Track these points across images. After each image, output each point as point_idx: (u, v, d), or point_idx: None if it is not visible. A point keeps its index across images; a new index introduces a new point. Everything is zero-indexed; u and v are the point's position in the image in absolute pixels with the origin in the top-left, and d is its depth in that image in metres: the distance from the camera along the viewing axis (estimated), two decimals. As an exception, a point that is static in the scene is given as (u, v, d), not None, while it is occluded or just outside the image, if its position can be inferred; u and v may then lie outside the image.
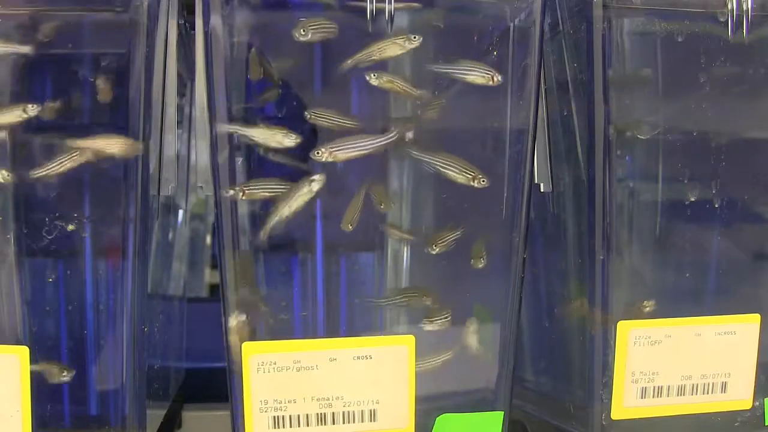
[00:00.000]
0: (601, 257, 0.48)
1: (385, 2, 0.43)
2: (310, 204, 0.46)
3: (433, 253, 0.45)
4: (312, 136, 0.45)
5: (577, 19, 0.50)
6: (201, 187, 0.45)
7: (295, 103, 0.45)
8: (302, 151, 0.46)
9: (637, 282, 0.52)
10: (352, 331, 0.48)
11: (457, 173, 0.44)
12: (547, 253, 0.56)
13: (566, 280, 0.53)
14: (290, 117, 0.45)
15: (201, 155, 0.45)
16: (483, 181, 0.44)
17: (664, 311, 0.50)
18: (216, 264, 0.57)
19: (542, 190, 0.49)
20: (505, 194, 0.47)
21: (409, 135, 0.44)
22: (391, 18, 0.43)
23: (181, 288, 0.61)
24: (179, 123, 0.48)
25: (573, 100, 0.51)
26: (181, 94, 0.49)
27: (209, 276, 0.66)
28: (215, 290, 0.65)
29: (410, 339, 0.45)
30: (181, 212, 0.59)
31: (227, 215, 0.43)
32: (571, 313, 0.53)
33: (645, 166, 0.52)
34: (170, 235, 0.57)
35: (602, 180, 0.48)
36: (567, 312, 0.53)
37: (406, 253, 0.49)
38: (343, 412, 0.45)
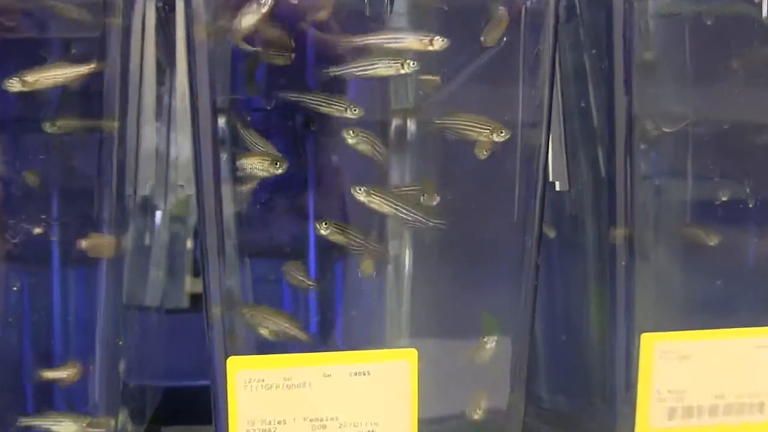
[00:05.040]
0: (623, 263, 0.49)
1: (384, -18, 0.44)
2: (301, 204, 0.47)
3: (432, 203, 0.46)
4: (305, 128, 0.46)
5: (595, 1, 0.51)
6: (182, 186, 0.46)
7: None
8: (293, 145, 0.47)
9: (663, 290, 0.52)
10: (348, 344, 0.49)
11: (476, 132, 0.45)
12: (563, 258, 0.57)
13: (585, 288, 0.53)
14: (281, 109, 0.46)
15: (182, 150, 0.45)
16: (502, 132, 0.45)
17: (694, 322, 0.50)
18: (198, 271, 0.57)
19: (558, 188, 0.49)
20: (517, 193, 0.47)
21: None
22: (391, 0, 0.44)
23: (159, 298, 0.62)
24: (158, 115, 0.49)
25: (591, 89, 0.51)
26: (159, 82, 0.50)
27: (190, 285, 0.67)
28: (197, 300, 0.65)
29: (412, 353, 0.45)
30: (159, 213, 0.59)
31: (211, 217, 0.44)
32: (590, 324, 0.53)
33: (671, 162, 0.52)
34: (147, 239, 0.57)
35: (624, 177, 0.48)
36: (586, 323, 0.54)
37: (407, 258, 0.50)
38: (339, 434, 0.45)
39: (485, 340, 0.48)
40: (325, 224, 0.45)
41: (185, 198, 0.57)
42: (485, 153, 0.45)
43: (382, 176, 0.47)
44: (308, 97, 0.44)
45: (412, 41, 0.43)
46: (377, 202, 0.44)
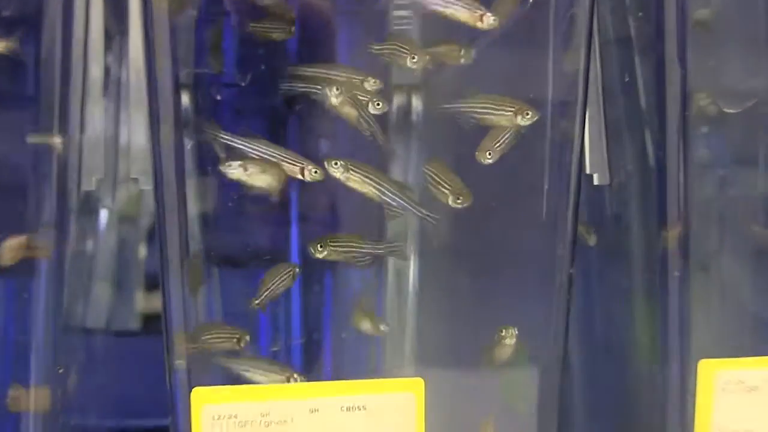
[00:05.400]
0: (677, 273, 0.50)
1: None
2: (282, 201, 0.48)
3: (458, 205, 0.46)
4: (288, 109, 0.47)
5: (641, -49, 0.52)
6: (135, 179, 0.47)
7: (263, 67, 0.47)
8: (273, 129, 0.48)
9: (726, 307, 0.54)
10: (339, 373, 0.51)
11: (496, 115, 0.46)
12: (603, 267, 0.58)
13: (630, 304, 0.55)
14: (257, 85, 0.47)
15: (136, 135, 0.46)
16: (528, 114, 0.46)
17: (764, 346, 0.52)
18: (152, 285, 0.58)
19: (596, 182, 0.51)
20: (546, 188, 0.48)
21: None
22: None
23: (105, 318, 0.63)
24: (106, 92, 0.50)
25: (637, 61, 0.53)
26: (108, 51, 0.51)
27: (143, 302, 0.67)
28: (151, 321, 0.66)
29: (418, 383, 0.46)
30: (105, 213, 0.60)
31: (173, 218, 0.44)
32: (637, 349, 0.55)
33: (736, 148, 0.54)
34: (90, 246, 0.58)
35: (677, 167, 0.49)
36: (632, 347, 0.55)
37: (412, 268, 0.51)
38: (328, 483, 0.47)
39: (503, 333, 0.48)
40: (320, 246, 0.46)
41: (137, 194, 0.58)
42: (488, 157, 0.45)
43: (381, 165, 0.49)
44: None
45: (461, 11, 0.45)
46: (357, 180, 0.44)
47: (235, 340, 0.46)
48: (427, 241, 0.50)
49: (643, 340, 0.54)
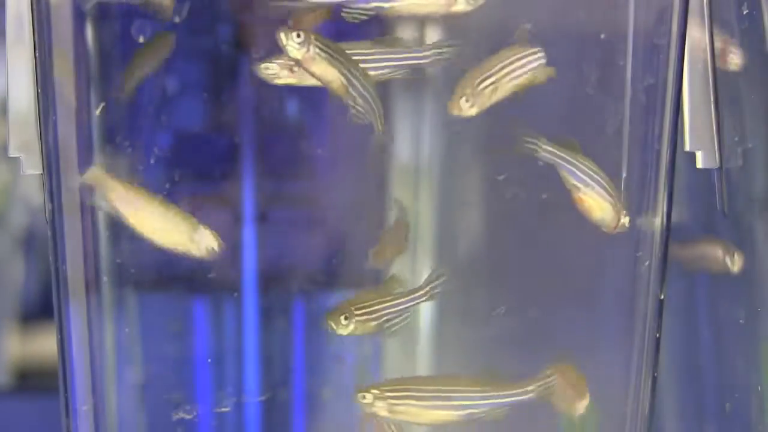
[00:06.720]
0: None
1: None
2: (231, 190, 0.49)
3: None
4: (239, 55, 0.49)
5: None
6: (18, 157, 0.49)
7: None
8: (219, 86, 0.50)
9: None
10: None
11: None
12: (713, 296, 0.59)
13: (757, 355, 0.56)
14: (197, 22, 0.49)
15: (15, 91, 0.47)
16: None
17: None
18: (30, 317, 0.59)
19: (701, 165, 0.51)
20: (624, 175, 0.49)
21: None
22: None
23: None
24: None
25: None
26: None
27: (18, 346, 0.67)
28: (33, 375, 0.66)
29: None
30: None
31: (74, 218, 0.46)
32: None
33: None
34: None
35: None
36: (761, 417, 0.56)
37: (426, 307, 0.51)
38: None
39: None
40: (345, 318, 0.46)
41: (10, 182, 0.58)
42: (468, 105, 0.45)
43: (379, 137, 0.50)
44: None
45: None
46: (322, 60, 0.45)
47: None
48: (450, 259, 0.51)
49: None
